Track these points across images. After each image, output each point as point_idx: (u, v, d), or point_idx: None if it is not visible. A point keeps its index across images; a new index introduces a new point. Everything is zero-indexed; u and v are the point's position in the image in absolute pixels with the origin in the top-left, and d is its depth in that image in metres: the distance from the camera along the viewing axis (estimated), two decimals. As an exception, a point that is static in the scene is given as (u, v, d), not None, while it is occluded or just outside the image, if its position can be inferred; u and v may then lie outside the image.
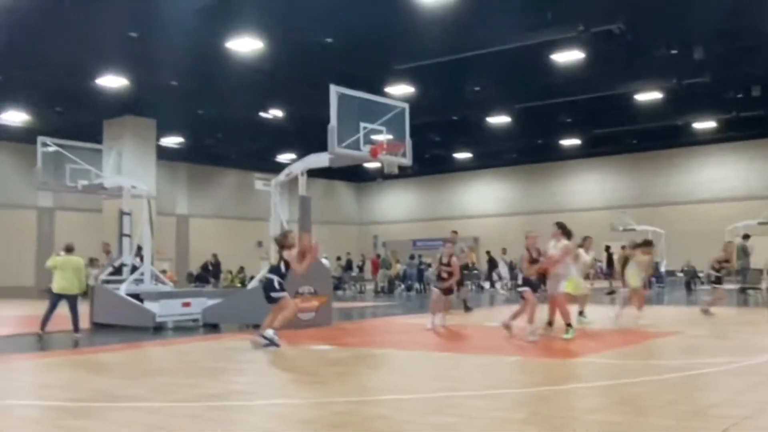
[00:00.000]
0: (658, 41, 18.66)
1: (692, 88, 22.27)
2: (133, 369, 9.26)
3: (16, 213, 30.27)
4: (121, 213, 16.03)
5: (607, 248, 27.87)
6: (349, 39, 17.85)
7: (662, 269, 27.81)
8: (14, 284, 28.44)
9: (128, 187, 16.19)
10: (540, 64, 19.93)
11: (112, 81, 20.78)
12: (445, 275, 13.25)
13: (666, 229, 29.90)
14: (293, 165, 14.55)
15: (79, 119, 24.97)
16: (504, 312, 13.07)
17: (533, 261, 11.11)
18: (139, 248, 15.83)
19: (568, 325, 11.07)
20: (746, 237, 23.17)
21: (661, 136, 31.81)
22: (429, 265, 27.31)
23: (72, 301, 12.12)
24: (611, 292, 23.07)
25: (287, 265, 10.64)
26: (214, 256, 30.58)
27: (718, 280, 15.37)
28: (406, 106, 13.63)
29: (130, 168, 22.49)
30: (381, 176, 37.79)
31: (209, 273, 29.64)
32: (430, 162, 34.91)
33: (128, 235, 15.84)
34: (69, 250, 12.36)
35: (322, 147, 12.82)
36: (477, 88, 23.15)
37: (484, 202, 41.53)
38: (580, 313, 13.14)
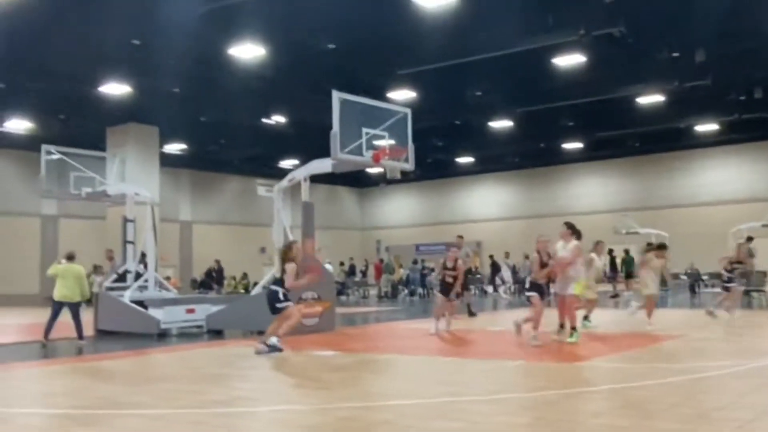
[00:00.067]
0: (659, 44, 18.63)
1: (694, 90, 22.21)
2: (137, 376, 9.27)
3: (19, 221, 30.29)
4: (125, 220, 16.08)
5: (610, 251, 27.80)
6: (351, 44, 17.87)
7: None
8: (18, 292, 28.39)
9: (132, 194, 16.25)
10: (541, 68, 19.95)
11: (115, 88, 20.80)
12: (450, 279, 13.22)
13: (669, 232, 29.78)
14: (296, 171, 14.59)
15: (82, 127, 25.00)
16: (507, 317, 13.06)
17: (544, 265, 10.96)
18: (143, 255, 15.84)
19: (573, 328, 11.05)
20: (750, 239, 23.10)
21: (663, 139, 31.75)
22: (432, 270, 27.32)
23: (74, 308, 12.14)
24: (615, 296, 23.03)
25: None
26: (218, 262, 30.65)
27: (730, 281, 15.31)
28: (409, 111, 13.64)
29: (133, 175, 22.63)
30: (384, 181, 37.86)
31: (213, 279, 29.72)
32: (432, 167, 34.92)
33: (132, 242, 15.87)
34: (70, 258, 12.39)
35: (324, 153, 12.82)
36: (479, 93, 23.16)
37: (486, 207, 41.50)
38: (585, 318, 13.10)
